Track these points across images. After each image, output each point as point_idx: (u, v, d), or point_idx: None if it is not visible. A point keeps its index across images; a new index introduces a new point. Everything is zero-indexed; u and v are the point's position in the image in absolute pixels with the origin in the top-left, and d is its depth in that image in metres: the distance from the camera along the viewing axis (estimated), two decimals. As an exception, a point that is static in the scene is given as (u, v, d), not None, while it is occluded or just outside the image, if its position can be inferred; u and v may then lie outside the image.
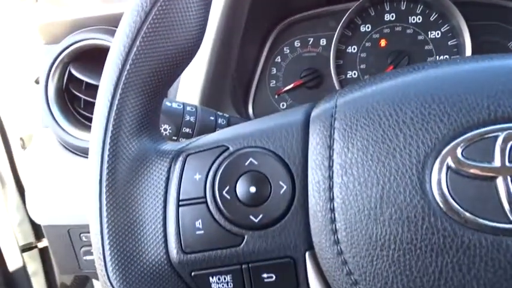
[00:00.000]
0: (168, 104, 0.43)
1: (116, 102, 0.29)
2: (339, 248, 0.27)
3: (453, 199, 0.25)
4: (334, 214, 0.27)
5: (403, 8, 0.64)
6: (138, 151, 0.30)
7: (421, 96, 0.27)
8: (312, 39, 0.66)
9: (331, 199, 0.27)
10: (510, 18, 0.61)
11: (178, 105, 0.43)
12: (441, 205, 0.25)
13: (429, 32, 0.63)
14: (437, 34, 0.63)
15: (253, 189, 0.28)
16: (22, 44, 0.77)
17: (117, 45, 0.30)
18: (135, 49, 0.29)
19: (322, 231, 0.27)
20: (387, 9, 0.64)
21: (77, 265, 0.65)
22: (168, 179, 0.29)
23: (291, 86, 0.65)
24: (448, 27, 0.62)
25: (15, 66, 0.83)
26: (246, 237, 0.28)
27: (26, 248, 0.93)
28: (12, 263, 0.93)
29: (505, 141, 0.25)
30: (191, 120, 0.42)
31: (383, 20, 0.64)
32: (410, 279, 0.25)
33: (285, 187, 0.28)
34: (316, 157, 0.28)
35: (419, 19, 0.63)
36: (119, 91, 0.29)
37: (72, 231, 0.63)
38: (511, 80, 0.26)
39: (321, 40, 0.66)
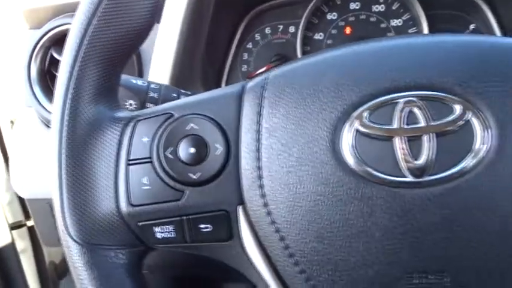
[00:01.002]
0: (134, 81, 0.46)
1: (75, 73, 0.33)
2: (264, 200, 0.31)
3: (359, 157, 0.29)
4: (261, 172, 0.31)
5: (367, -3, 0.67)
6: (94, 116, 0.34)
7: (337, 69, 0.31)
8: (281, 26, 0.70)
9: (259, 159, 0.31)
10: (465, 7, 0.64)
11: (143, 82, 0.47)
12: (349, 162, 0.29)
13: (391, 20, 0.67)
14: (399, 22, 0.66)
15: (192, 150, 0.32)
16: (9, 29, 0.80)
17: (76, 23, 0.33)
18: (92, 26, 0.33)
19: (251, 187, 0.31)
20: (353, -2, 0.68)
21: (58, 238, 0.69)
22: (120, 141, 0.33)
23: (261, 70, 0.69)
24: (409, 16, 0.66)
25: (3, 51, 0.87)
26: (186, 192, 0.32)
27: (15, 226, 0.97)
28: (2, 241, 0.97)
29: (403, 107, 0.29)
30: (155, 96, 0.46)
31: (348, 8, 0.68)
32: (321, 227, 0.29)
33: (220, 149, 0.32)
34: (247, 122, 0.32)
35: (382, 8, 0.67)
36: (78, 63, 0.33)
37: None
38: (412, 56, 0.30)
39: (290, 27, 0.69)
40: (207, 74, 0.65)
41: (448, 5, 0.64)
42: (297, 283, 0.31)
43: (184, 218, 0.32)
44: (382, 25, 0.67)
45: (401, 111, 0.29)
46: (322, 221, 0.30)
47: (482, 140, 0.28)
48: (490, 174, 0.28)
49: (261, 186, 0.31)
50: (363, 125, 0.29)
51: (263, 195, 0.31)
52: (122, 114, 0.35)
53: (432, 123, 0.28)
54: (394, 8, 0.67)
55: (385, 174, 0.29)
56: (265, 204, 0.31)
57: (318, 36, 0.69)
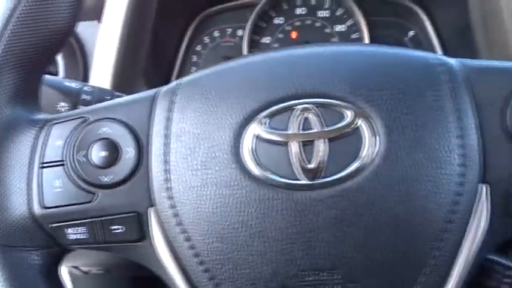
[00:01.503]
0: (67, 83, 0.47)
1: None
2: (172, 202, 0.32)
3: (258, 161, 0.31)
4: (169, 175, 0.32)
5: (313, 3, 0.69)
6: (11, 119, 0.34)
7: (241, 77, 0.32)
8: (230, 29, 0.71)
9: (167, 162, 0.32)
10: (404, 14, 0.67)
11: (76, 85, 0.47)
12: (248, 166, 0.31)
13: (335, 26, 0.69)
14: (343, 28, 0.69)
15: (104, 153, 0.33)
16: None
17: None
18: (8, 31, 0.34)
19: (160, 189, 0.32)
20: (299, 3, 0.70)
21: None
22: (34, 144, 0.34)
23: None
24: (352, 22, 0.68)
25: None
26: (98, 194, 0.33)
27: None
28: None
29: (299, 113, 0.30)
30: (88, 99, 0.47)
31: (294, 13, 0.70)
32: (222, 227, 0.31)
33: (132, 152, 0.33)
34: (157, 127, 0.33)
35: (327, 14, 0.69)
36: None
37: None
38: (309, 65, 0.32)
39: (238, 31, 0.71)
40: (152, 76, 0.66)
41: (388, 12, 0.67)
42: (202, 282, 0.32)
43: (96, 219, 0.33)
44: (327, 30, 0.69)
45: (297, 117, 0.30)
46: (223, 222, 0.31)
47: (371, 145, 0.30)
48: (376, 177, 0.29)
49: (169, 189, 0.32)
50: (262, 130, 0.31)
51: (170, 198, 0.32)
52: (39, 117, 0.36)
53: (325, 129, 0.30)
54: (338, 14, 0.69)
55: (281, 177, 0.30)
56: (173, 206, 0.32)
57: (265, 40, 0.70)
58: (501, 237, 0.32)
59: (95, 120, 0.34)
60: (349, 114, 0.30)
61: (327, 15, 0.69)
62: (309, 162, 0.30)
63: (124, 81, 0.59)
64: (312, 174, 0.30)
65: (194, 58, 0.71)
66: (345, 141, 0.30)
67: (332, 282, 0.30)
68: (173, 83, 0.35)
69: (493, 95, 0.31)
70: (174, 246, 0.32)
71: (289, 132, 0.30)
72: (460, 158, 0.30)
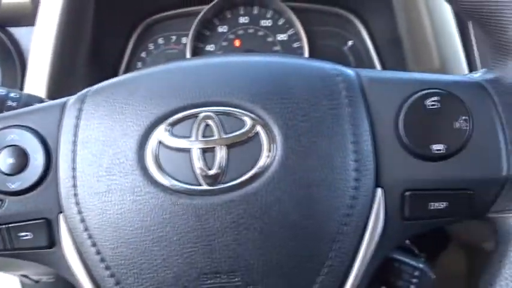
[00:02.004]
0: (-8, 90, 0.47)
1: None
2: (78, 208, 0.32)
3: (161, 167, 0.31)
4: (76, 181, 0.32)
5: (255, 12, 0.71)
6: None
7: (148, 85, 0.33)
8: (174, 37, 0.72)
9: (74, 169, 0.33)
10: (342, 24, 0.69)
11: (1, 91, 0.47)
12: (152, 172, 0.31)
13: (277, 35, 0.70)
14: (285, 37, 0.70)
15: (11, 160, 0.33)
16: None
17: None
18: None
19: (67, 196, 0.33)
20: (242, 12, 0.71)
21: None
22: None
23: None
24: (293, 32, 0.70)
25: None
26: (5, 201, 0.33)
27: None
28: None
29: (201, 121, 0.31)
30: (13, 105, 0.46)
31: (238, 22, 0.71)
32: (127, 232, 0.31)
33: (40, 159, 0.33)
34: (65, 134, 0.33)
35: (269, 23, 0.71)
36: None
37: None
38: (212, 74, 0.33)
39: (183, 38, 0.71)
40: (95, 82, 0.65)
41: (326, 22, 0.69)
42: (108, 287, 0.32)
43: (4, 226, 0.33)
44: (269, 39, 0.70)
45: (199, 125, 0.31)
46: (128, 228, 0.31)
47: (268, 152, 0.31)
48: (273, 182, 0.31)
49: (76, 195, 0.32)
50: (165, 137, 0.32)
51: (77, 204, 0.32)
52: None
53: (224, 136, 0.31)
54: (280, 23, 0.70)
55: (183, 183, 0.31)
56: (80, 212, 0.32)
57: (209, 47, 0.71)
58: (398, 239, 0.34)
59: (3, 128, 0.34)
60: (248, 122, 0.31)
61: (269, 25, 0.70)
62: (210, 169, 0.31)
63: (61, 88, 0.59)
64: (212, 180, 0.31)
65: (139, 65, 0.71)
66: (244, 148, 0.31)
67: (232, 285, 0.31)
68: (84, 91, 0.35)
69: (386, 104, 0.33)
70: (82, 251, 0.33)
71: (191, 139, 0.31)
72: (354, 163, 0.32)
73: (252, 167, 0.31)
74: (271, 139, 0.31)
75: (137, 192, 0.31)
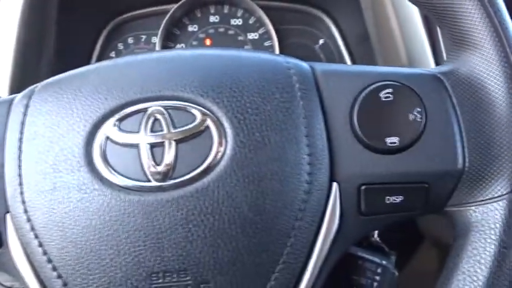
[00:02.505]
0: None
1: None
2: (24, 207, 0.31)
3: (109, 164, 0.30)
4: (21, 179, 0.31)
5: (226, 11, 0.70)
6: None
7: (95, 80, 0.32)
8: (144, 36, 0.71)
9: (20, 166, 0.31)
10: (313, 22, 0.69)
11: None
12: (99, 169, 0.30)
13: (248, 34, 0.70)
14: (255, 36, 0.70)
15: None
16: None
17: None
18: None
19: (13, 194, 0.31)
20: (212, 11, 0.70)
21: None
22: None
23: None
24: (264, 30, 0.70)
25: None
26: None
27: None
28: None
29: (150, 116, 0.31)
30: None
31: (208, 21, 0.70)
32: (74, 232, 0.30)
33: None
34: (11, 131, 0.32)
35: (240, 22, 0.70)
36: None
37: None
38: (160, 69, 0.32)
39: (153, 38, 0.70)
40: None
41: (297, 21, 0.69)
42: None
43: None
44: (240, 38, 0.70)
45: (148, 119, 0.31)
46: (75, 226, 0.30)
47: (219, 147, 0.30)
48: (224, 177, 0.30)
49: (21, 193, 0.31)
50: (113, 133, 0.31)
51: (23, 202, 0.31)
52: None
53: (173, 131, 0.30)
54: (250, 22, 0.70)
55: (132, 179, 0.30)
56: (25, 211, 0.31)
57: (180, 47, 0.70)
58: (355, 234, 0.34)
59: None
60: (198, 116, 0.30)
61: (240, 23, 0.70)
62: (158, 164, 0.30)
63: (25, 86, 0.57)
64: (161, 176, 0.30)
65: (108, 65, 0.70)
66: (195, 143, 0.30)
67: (183, 283, 0.30)
68: (32, 87, 0.34)
69: (340, 97, 0.33)
70: (29, 252, 0.31)
71: (139, 134, 0.30)
72: (308, 157, 0.31)
73: (203, 162, 0.30)
74: (222, 133, 0.30)
75: (84, 190, 0.30)
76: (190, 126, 0.30)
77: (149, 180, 0.30)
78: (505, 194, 0.31)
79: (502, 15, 0.32)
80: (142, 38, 0.70)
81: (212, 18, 0.70)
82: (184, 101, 0.31)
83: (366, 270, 0.40)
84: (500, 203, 0.31)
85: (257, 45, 0.69)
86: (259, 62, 0.33)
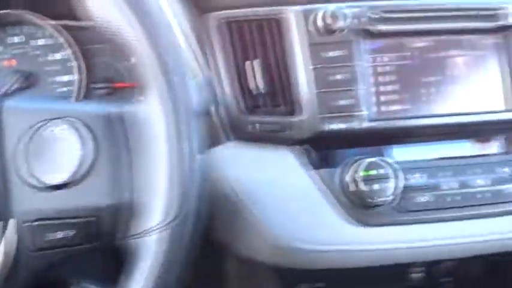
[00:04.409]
0: None
1: None
2: None
3: None
4: None
5: (31, 31, 0.69)
6: None
7: None
8: None
9: None
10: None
11: None
12: None
13: (53, 54, 0.69)
14: (60, 56, 0.69)
15: None
16: None
17: None
18: None
19: None
20: (17, 32, 0.69)
21: None
22: None
23: None
24: (72, 50, 0.69)
25: None
26: None
27: None
28: None
29: None
30: None
31: (13, 41, 0.69)
32: None
33: None
34: None
35: (45, 42, 0.69)
36: None
37: None
38: None
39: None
40: None
41: (104, 40, 0.69)
42: None
43: None
44: (46, 58, 0.69)
45: None
46: None
47: None
48: None
49: None
50: None
51: None
52: None
53: None
54: (56, 42, 0.69)
55: None
56: None
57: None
58: (32, 270, 0.34)
59: None
60: None
61: (46, 44, 0.69)
62: None
63: None
64: None
65: None
66: None
67: None
68: None
69: (16, 132, 0.34)
70: None
71: None
72: None
73: None
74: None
75: None
76: None
77: None
78: (155, 226, 0.33)
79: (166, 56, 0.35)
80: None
81: (16, 39, 0.69)
82: None
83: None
84: (153, 234, 0.33)
85: (62, 65, 0.69)
86: None
